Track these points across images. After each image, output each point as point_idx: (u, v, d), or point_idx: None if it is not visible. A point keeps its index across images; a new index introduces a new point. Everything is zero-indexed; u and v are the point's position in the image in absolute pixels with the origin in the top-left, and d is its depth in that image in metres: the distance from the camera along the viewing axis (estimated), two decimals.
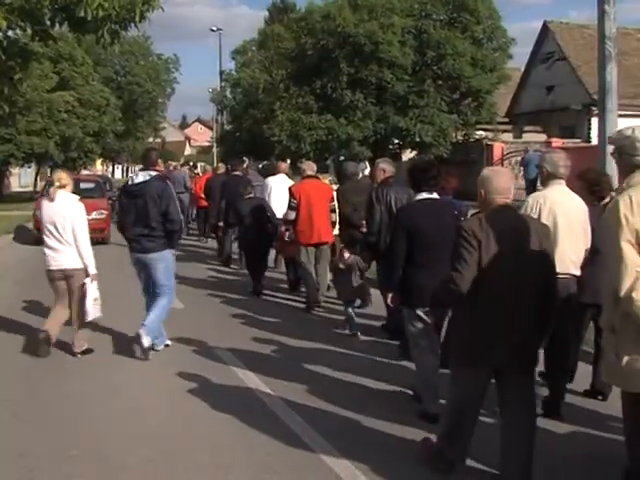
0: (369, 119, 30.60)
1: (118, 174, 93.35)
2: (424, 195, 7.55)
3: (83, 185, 26.49)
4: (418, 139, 31.19)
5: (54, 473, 6.11)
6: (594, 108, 24.45)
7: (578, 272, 7.15)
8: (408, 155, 37.64)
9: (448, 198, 9.08)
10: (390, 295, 7.79)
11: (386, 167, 10.22)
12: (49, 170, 50.24)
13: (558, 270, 6.21)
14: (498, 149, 30.30)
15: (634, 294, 4.53)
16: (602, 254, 5.09)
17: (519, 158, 29.20)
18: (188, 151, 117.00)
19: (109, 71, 65.85)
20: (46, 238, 9.75)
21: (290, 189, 12.93)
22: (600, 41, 11.62)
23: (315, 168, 13.30)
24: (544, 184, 7.41)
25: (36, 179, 50.80)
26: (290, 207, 12.56)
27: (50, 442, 6.76)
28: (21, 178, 61.29)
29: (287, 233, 13.00)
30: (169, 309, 10.08)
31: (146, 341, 9.41)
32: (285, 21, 46.00)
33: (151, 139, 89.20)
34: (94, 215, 22.75)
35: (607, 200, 5.10)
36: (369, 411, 7.51)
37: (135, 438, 6.87)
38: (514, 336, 5.48)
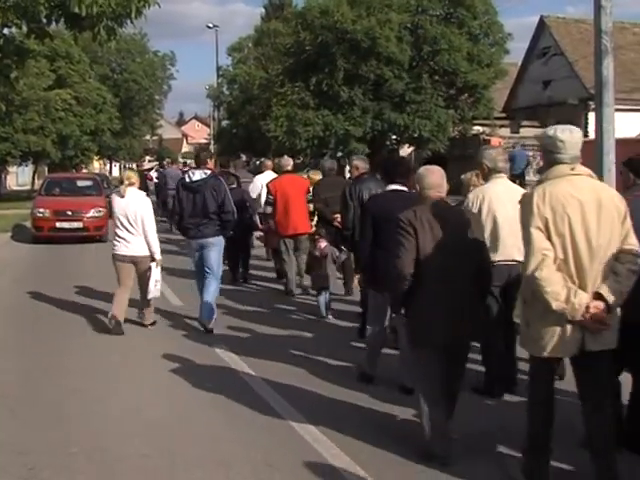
0: (367, 115, 30.61)
1: (115, 172, 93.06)
2: (394, 187, 8.11)
3: (80, 183, 26.56)
4: (416, 135, 31.21)
5: (54, 470, 6.11)
6: (591, 103, 24.37)
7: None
8: (406, 151, 37.61)
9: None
10: (357, 277, 8.96)
11: (359, 164, 10.74)
12: (46, 169, 50.22)
13: (501, 257, 7.46)
14: (495, 144, 30.19)
15: (537, 273, 5.19)
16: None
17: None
18: (185, 148, 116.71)
19: (105, 69, 65.72)
20: (117, 229, 11.04)
21: (267, 185, 13.83)
22: (596, 35, 11.62)
23: (292, 164, 14.29)
24: (486, 179, 7.98)
25: (33, 178, 50.66)
26: (267, 202, 13.61)
27: (49, 439, 6.77)
28: (18, 177, 61.23)
29: (268, 225, 14.01)
30: (218, 289, 11.41)
31: (210, 324, 10.90)
32: (282, 17, 45.94)
33: (148, 137, 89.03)
34: (92, 213, 22.78)
35: (528, 191, 5.65)
36: (358, 395, 7.75)
37: (134, 435, 6.87)
38: (458, 315, 6.07)
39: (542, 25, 37.73)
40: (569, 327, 5.25)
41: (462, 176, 8.83)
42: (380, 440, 6.57)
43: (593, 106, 12.46)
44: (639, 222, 5.49)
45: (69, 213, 22.63)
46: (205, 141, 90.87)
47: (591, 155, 11.24)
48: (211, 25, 62.72)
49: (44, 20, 15.11)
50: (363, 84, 30.67)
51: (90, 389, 8.25)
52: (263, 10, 58.42)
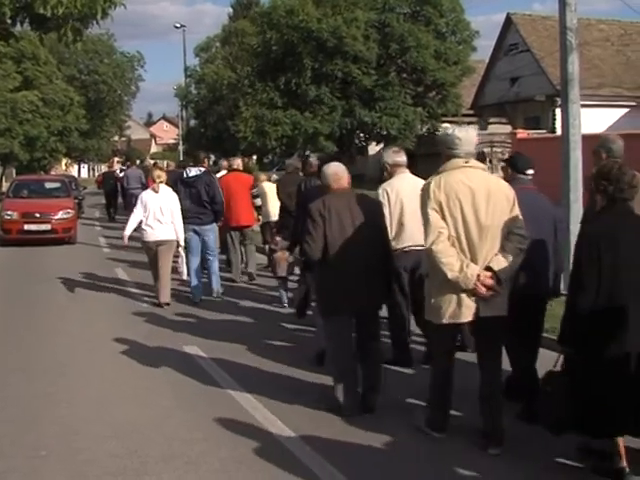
0: (335, 113, 30.66)
1: (84, 173, 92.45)
2: None
3: (48, 185, 26.35)
4: (384, 132, 31.30)
5: (23, 473, 6.08)
6: (558, 99, 24.52)
7: None
8: (374, 148, 37.71)
9: None
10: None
11: (313, 162, 11.70)
12: (14, 171, 49.79)
13: (410, 243, 8.42)
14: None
15: (434, 247, 6.06)
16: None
17: (485, 150, 29.35)
18: (154, 149, 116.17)
19: (73, 70, 65.32)
20: (147, 219, 12.69)
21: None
22: (561, 32, 11.70)
23: (239, 163, 16.14)
24: (390, 175, 8.86)
25: (1, 180, 50.21)
26: None
27: (18, 443, 6.72)
28: None
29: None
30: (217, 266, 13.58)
31: (217, 293, 13.32)
32: (250, 16, 45.88)
33: (117, 138, 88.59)
34: (60, 215, 22.63)
35: (429, 180, 6.45)
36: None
37: (104, 436, 6.84)
38: (362, 289, 7.07)
39: (509, 22, 37.90)
40: (464, 295, 6.11)
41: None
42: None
43: (560, 102, 12.53)
44: (528, 212, 6.35)
45: (37, 215, 22.53)
46: (174, 141, 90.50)
47: (558, 151, 11.32)
48: (179, 25, 62.45)
49: (9, 21, 14.98)
50: (331, 82, 30.72)
51: (56, 392, 8.21)
52: (231, 9, 58.34)
